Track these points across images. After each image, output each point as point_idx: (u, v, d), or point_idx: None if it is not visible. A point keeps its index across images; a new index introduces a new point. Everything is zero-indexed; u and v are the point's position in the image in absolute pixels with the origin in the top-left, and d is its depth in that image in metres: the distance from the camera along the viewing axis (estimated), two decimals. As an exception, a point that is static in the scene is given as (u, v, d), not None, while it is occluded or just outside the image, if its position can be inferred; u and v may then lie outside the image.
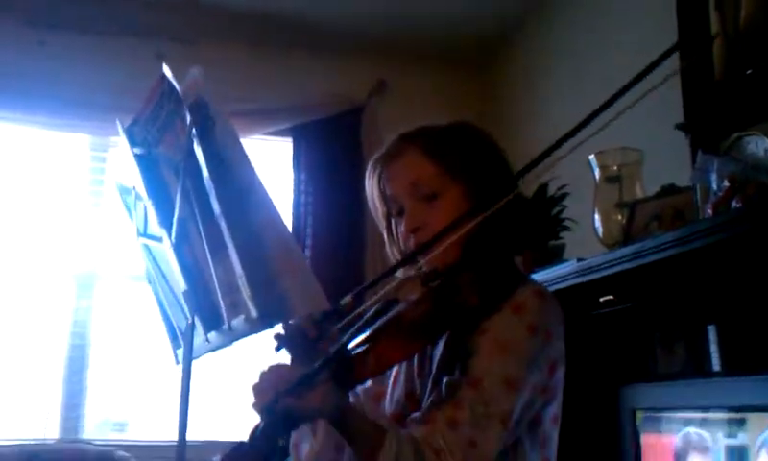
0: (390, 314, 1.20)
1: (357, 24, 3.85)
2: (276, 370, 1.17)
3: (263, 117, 3.83)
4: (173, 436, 1.69)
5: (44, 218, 3.72)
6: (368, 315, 1.16)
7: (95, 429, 3.65)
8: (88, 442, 3.39)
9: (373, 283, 1.18)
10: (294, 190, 3.90)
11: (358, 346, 1.17)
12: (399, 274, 1.34)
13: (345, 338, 1.11)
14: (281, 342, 1.25)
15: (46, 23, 3.62)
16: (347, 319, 1.20)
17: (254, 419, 1.15)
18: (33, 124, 3.70)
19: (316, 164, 3.90)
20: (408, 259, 1.27)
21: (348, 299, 1.19)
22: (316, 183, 3.87)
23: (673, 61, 1.16)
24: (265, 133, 3.91)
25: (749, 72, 2.11)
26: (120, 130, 1.71)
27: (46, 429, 3.55)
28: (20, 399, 3.54)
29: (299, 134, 3.95)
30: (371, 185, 1.47)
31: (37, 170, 3.75)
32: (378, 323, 1.18)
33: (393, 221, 1.45)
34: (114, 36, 3.70)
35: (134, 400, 3.73)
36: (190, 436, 1.71)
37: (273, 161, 4.03)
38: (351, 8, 3.74)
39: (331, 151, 3.88)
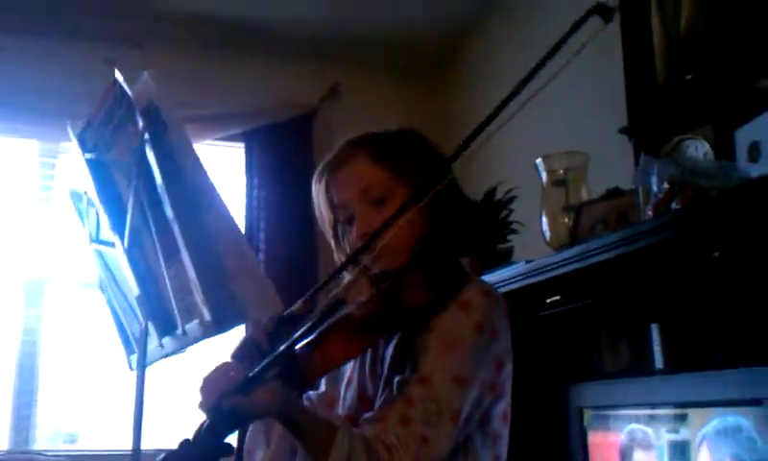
0: (339, 314, 1.22)
1: (309, 28, 3.85)
2: (222, 369, 1.17)
3: (215, 122, 3.81)
4: (127, 445, 1.69)
5: (-8, 225, 3.66)
6: (317, 316, 1.17)
7: (46, 440, 3.59)
8: (39, 453, 3.33)
9: (322, 286, 1.19)
10: (246, 195, 3.89)
11: (307, 345, 1.18)
12: (348, 275, 1.36)
13: (293, 337, 1.11)
14: (237, 357, 1.26)
15: (-8, 27, 3.56)
16: (301, 326, 1.21)
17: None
18: (-21, 130, 3.63)
19: (268, 169, 3.89)
20: (355, 257, 1.28)
21: (299, 304, 1.19)
22: (269, 188, 3.86)
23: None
24: (217, 138, 3.89)
25: (689, 77, 2.18)
26: (71, 135, 1.70)
27: (-5, 441, 3.49)
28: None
29: (251, 139, 3.94)
30: (317, 193, 1.47)
31: (-15, 176, 3.69)
32: (327, 322, 1.19)
33: (340, 228, 1.45)
34: (62, 40, 3.64)
35: (86, 409, 3.67)
36: (145, 445, 1.71)
37: (225, 167, 4.01)
38: (304, 12, 3.75)
39: (284, 156, 3.87)
